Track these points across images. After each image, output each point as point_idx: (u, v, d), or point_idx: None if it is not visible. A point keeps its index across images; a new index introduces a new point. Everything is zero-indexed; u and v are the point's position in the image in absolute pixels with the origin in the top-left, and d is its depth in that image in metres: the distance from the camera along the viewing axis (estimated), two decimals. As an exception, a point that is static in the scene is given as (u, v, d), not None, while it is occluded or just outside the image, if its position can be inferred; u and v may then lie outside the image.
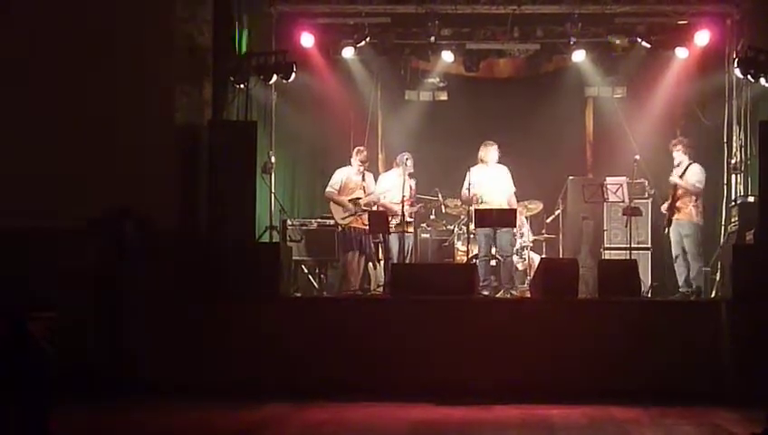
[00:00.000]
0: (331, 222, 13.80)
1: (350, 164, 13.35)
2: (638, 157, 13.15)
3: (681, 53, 13.85)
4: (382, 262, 13.33)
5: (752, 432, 7.38)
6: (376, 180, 13.62)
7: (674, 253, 12.72)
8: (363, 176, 13.31)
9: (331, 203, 13.28)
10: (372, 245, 13.35)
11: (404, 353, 10.63)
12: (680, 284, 12.56)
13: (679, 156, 12.75)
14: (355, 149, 13.44)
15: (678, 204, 12.61)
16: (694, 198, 12.56)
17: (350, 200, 13.13)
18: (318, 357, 10.68)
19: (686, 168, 12.65)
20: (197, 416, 9.26)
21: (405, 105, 15.64)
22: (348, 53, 14.31)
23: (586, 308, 11.13)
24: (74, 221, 10.60)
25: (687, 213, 12.57)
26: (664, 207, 12.89)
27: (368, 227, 13.10)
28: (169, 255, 11.01)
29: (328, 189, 13.30)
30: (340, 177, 13.26)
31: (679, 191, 12.60)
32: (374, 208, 13.18)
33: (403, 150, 13.43)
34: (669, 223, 12.71)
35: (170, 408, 9.58)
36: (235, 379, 10.54)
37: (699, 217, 12.62)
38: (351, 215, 13.12)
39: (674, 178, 12.61)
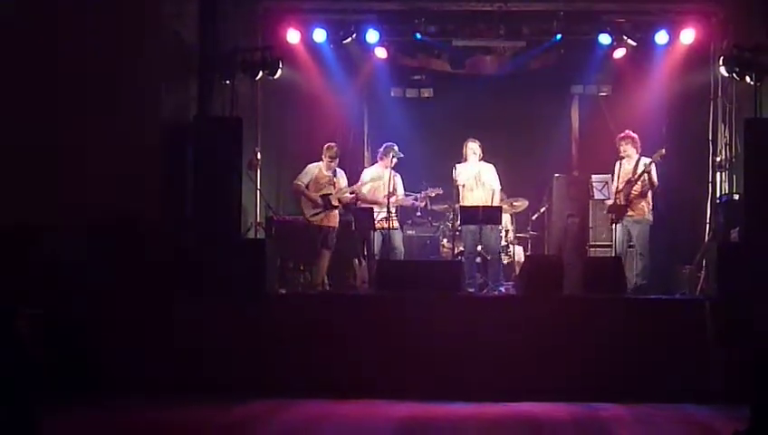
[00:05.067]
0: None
1: (321, 160, 13.35)
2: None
3: (667, 51, 13.88)
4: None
5: (736, 430, 7.40)
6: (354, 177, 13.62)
7: (620, 250, 12.69)
8: (335, 172, 13.32)
9: (302, 198, 13.24)
10: (334, 240, 13.31)
11: (390, 350, 10.62)
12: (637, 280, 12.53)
13: (630, 150, 12.77)
14: (325, 146, 13.42)
15: (635, 201, 12.63)
16: (649, 194, 12.64)
17: (320, 196, 13.13)
18: (304, 354, 10.66)
19: (637, 163, 12.67)
20: (183, 413, 9.24)
21: (391, 102, 15.61)
22: (334, 49, 14.30)
23: (571, 305, 11.14)
24: (61, 219, 10.59)
25: (641, 210, 12.63)
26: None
27: (353, 224, 13.15)
28: (154, 252, 10.98)
29: (296, 182, 13.29)
30: (311, 172, 13.26)
31: (635, 187, 12.61)
32: (346, 202, 13.31)
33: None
34: (618, 220, 12.71)
35: (156, 405, 9.56)
36: (221, 376, 10.52)
37: (650, 214, 12.70)
38: (321, 211, 13.11)
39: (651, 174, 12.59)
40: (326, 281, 13.16)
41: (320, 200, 13.11)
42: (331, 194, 13.14)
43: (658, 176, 12.69)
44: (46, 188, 10.91)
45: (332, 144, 13.43)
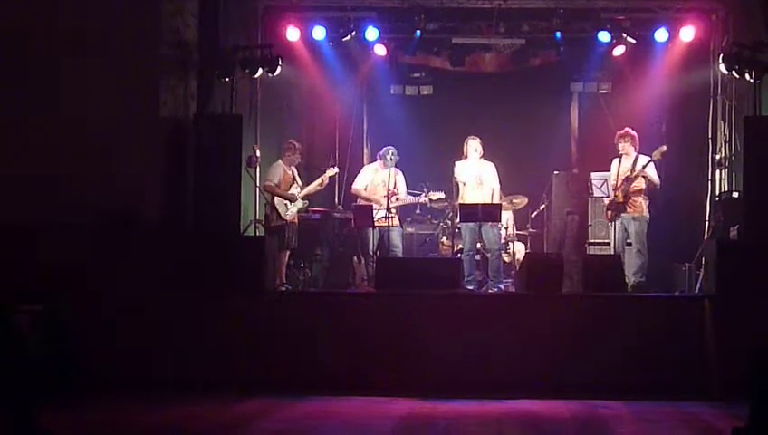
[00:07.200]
0: (316, 216, 13.85)
1: (284, 157, 13.34)
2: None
3: (666, 48, 13.89)
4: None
5: (735, 428, 7.41)
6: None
7: (620, 248, 12.66)
8: (293, 170, 13.27)
9: (275, 199, 13.07)
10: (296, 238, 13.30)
11: (389, 348, 10.62)
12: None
13: (628, 148, 12.74)
14: (287, 143, 13.42)
15: (632, 198, 12.61)
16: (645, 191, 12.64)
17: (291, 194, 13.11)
18: (303, 351, 10.67)
19: (636, 161, 12.64)
20: (182, 411, 9.23)
21: (390, 99, 15.61)
22: (333, 47, 14.30)
23: (570, 303, 11.15)
24: (62, 216, 10.60)
25: (639, 207, 12.61)
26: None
27: (352, 221, 13.18)
28: (154, 249, 10.98)
29: (268, 183, 13.12)
30: (278, 171, 13.20)
31: (634, 184, 12.60)
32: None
33: (388, 145, 13.42)
34: (615, 217, 12.68)
35: (155, 403, 9.55)
36: (221, 373, 10.51)
37: (647, 211, 12.67)
38: (297, 209, 13.08)
39: (650, 172, 12.54)
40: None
41: (298, 199, 13.05)
42: (298, 192, 13.12)
43: (658, 174, 12.69)
44: (46, 187, 10.90)
45: (293, 142, 13.39)
